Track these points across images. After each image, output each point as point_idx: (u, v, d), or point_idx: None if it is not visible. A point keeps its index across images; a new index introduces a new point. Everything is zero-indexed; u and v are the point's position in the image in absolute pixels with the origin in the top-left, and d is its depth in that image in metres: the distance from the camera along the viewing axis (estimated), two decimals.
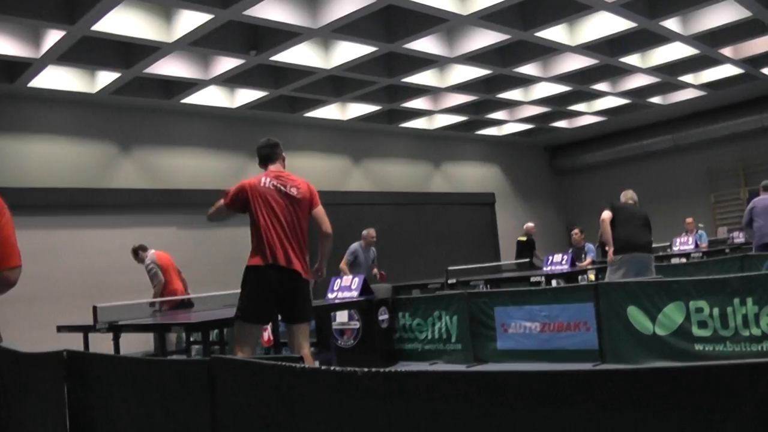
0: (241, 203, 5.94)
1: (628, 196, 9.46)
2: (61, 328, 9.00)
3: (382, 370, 3.05)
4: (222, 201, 6.05)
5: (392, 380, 3.06)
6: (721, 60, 14.97)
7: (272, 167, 6.07)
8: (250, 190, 5.90)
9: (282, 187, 5.92)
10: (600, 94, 17.13)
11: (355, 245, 11.71)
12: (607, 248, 9.36)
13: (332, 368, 3.33)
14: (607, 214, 8.95)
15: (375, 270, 11.83)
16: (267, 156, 6.09)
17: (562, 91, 16.21)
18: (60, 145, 13.07)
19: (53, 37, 10.15)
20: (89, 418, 5.32)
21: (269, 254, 5.75)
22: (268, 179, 5.94)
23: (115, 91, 12.57)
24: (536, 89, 16.24)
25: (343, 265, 11.37)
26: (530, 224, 15.54)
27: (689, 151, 20.61)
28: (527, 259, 14.67)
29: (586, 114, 19.11)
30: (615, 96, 17.20)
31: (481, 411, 2.73)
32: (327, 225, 6.00)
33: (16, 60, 10.80)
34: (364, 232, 11.77)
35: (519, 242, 15.33)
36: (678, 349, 7.20)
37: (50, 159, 12.83)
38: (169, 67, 11.94)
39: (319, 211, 6.05)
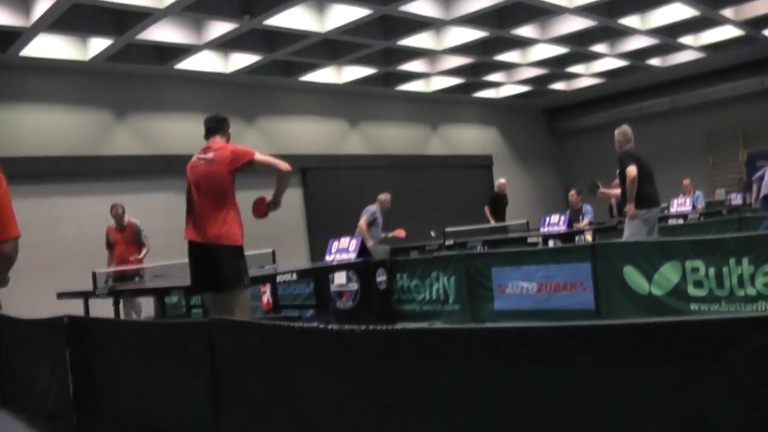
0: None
1: (629, 134, 9.11)
2: (61, 295, 9.05)
3: (379, 328, 3.08)
4: None
5: (390, 338, 3.09)
6: (722, 21, 14.87)
7: (210, 141, 6.01)
8: (188, 170, 5.95)
9: (202, 155, 5.89)
10: (598, 56, 17.04)
11: (373, 207, 11.72)
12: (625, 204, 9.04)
13: (331, 327, 3.36)
14: (635, 170, 8.63)
15: (382, 233, 11.83)
16: (207, 129, 6.06)
17: (560, 53, 16.13)
18: (54, 113, 13.02)
19: (44, 4, 10.07)
20: (92, 381, 5.37)
21: (187, 229, 5.88)
22: (197, 154, 5.95)
23: (109, 58, 12.50)
24: (534, 51, 16.14)
25: (362, 223, 11.36)
26: (502, 180, 15.16)
27: (688, 113, 20.56)
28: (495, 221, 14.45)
29: (584, 76, 19.03)
30: (613, 58, 17.12)
31: (477, 367, 2.75)
32: (278, 165, 5.87)
33: (7, 29, 10.73)
34: (381, 197, 11.79)
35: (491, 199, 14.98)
36: (674, 308, 7.23)
37: (45, 127, 12.79)
38: (162, 32, 11.86)
39: (258, 159, 5.84)
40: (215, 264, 5.74)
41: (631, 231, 8.76)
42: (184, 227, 5.92)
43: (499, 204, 14.45)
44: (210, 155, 5.82)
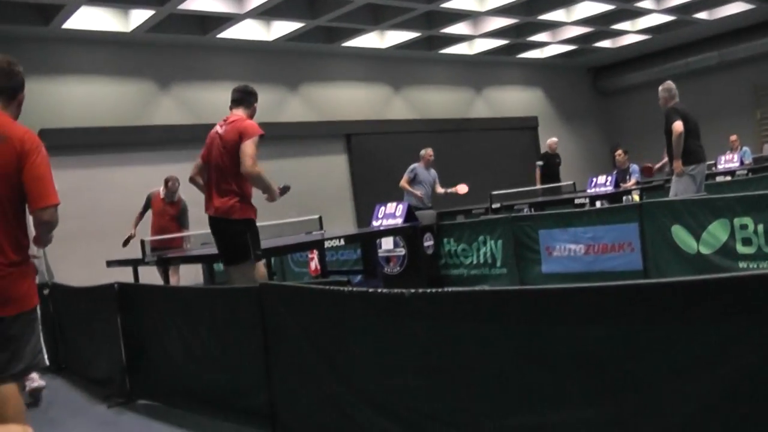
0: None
1: (673, 90, 8.93)
2: (111, 263, 9.22)
3: (429, 290, 3.09)
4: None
5: (439, 300, 3.10)
6: None
7: (232, 112, 5.89)
8: (208, 139, 5.86)
9: (219, 128, 5.77)
10: (644, 12, 16.70)
11: (414, 164, 11.68)
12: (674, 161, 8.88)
13: (380, 290, 3.39)
14: (681, 126, 8.49)
15: (440, 188, 11.69)
16: (232, 100, 5.96)
17: (605, 10, 15.83)
18: (97, 84, 13.16)
19: None
20: (143, 346, 5.49)
21: (205, 202, 5.84)
22: (217, 125, 5.84)
23: (150, 29, 12.57)
24: (578, 9, 15.86)
25: (403, 183, 11.27)
26: (553, 139, 14.52)
27: (735, 67, 20.10)
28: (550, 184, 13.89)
29: (630, 33, 18.67)
30: (659, 13, 16.76)
31: (528, 329, 2.76)
32: (245, 164, 5.48)
33: (49, 3, 10.83)
34: (422, 152, 11.72)
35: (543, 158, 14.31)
36: (722, 267, 7.13)
37: (88, 99, 12.94)
38: (203, 2, 11.88)
39: (243, 146, 5.52)
40: (224, 237, 5.76)
41: (680, 188, 8.61)
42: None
43: (551, 163, 14.07)
44: (223, 128, 5.72)
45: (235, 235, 5.64)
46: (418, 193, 10.96)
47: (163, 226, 9.75)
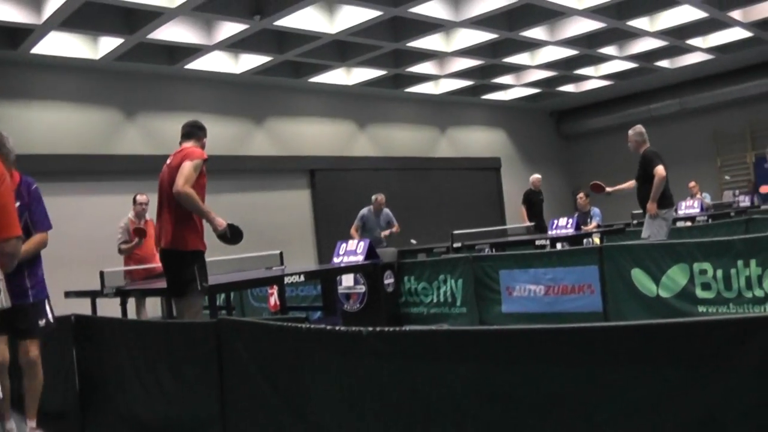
0: None
1: (644, 134, 8.96)
2: (68, 294, 9.05)
3: (386, 329, 3.08)
4: None
5: (397, 339, 3.09)
6: (730, 23, 14.82)
7: (183, 145, 5.90)
8: (160, 175, 5.86)
9: (168, 161, 5.80)
10: (607, 58, 16.99)
11: (364, 210, 11.71)
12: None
13: (338, 328, 3.37)
14: (664, 170, 8.57)
15: (385, 232, 11.77)
16: (183, 135, 6.00)
17: (568, 55, 16.09)
18: (64, 111, 13.04)
19: (55, 2, 10.08)
20: (98, 380, 5.39)
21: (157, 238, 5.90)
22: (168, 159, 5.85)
23: (119, 56, 12.51)
24: (543, 53, 16.11)
25: (352, 230, 11.39)
26: (536, 176, 14.66)
27: (696, 115, 20.50)
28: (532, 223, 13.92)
29: (593, 78, 18.99)
30: (622, 60, 17.07)
31: (484, 368, 2.76)
32: (177, 183, 5.41)
33: (19, 26, 10.75)
34: (373, 197, 11.76)
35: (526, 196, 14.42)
36: (682, 311, 7.21)
37: (54, 125, 12.81)
38: (173, 32, 11.86)
39: (181, 167, 5.48)
40: (170, 269, 5.77)
41: (653, 230, 8.69)
42: None
43: (534, 200, 14.13)
44: (171, 159, 5.74)
45: (180, 266, 5.61)
46: None
47: (149, 253, 9.46)
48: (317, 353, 3.46)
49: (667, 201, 8.76)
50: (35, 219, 5.13)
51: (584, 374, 2.46)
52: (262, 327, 3.99)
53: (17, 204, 4.71)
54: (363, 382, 3.20)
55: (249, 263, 10.52)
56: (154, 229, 9.51)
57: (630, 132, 9.01)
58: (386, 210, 11.94)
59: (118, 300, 8.33)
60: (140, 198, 9.66)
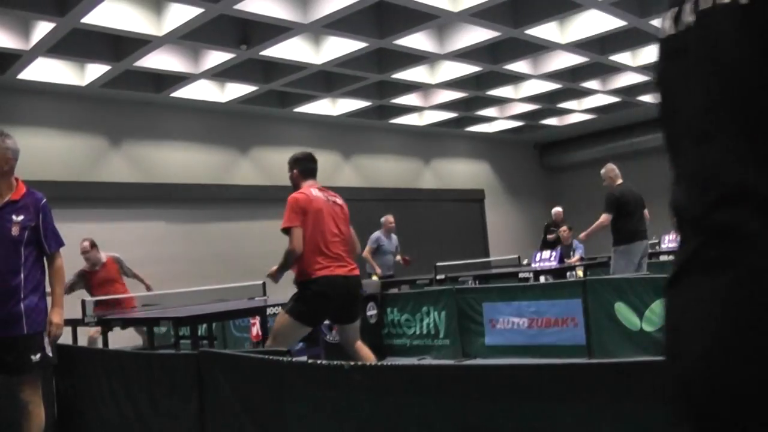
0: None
1: (614, 172, 9.47)
2: None
3: (368, 363, 3.07)
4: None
5: (379, 373, 3.08)
6: None
7: (314, 182, 6.35)
8: (306, 203, 6.04)
9: (324, 195, 6.22)
10: (590, 92, 17.16)
11: (376, 233, 11.69)
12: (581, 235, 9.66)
13: (320, 362, 3.35)
14: (607, 220, 9.08)
15: (398, 257, 11.80)
16: (315, 170, 6.49)
17: (552, 89, 16.24)
18: (49, 137, 13.01)
19: (43, 28, 10.10)
20: (78, 410, 5.33)
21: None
22: (318, 191, 6.22)
23: (105, 84, 12.52)
24: (526, 86, 16.24)
25: (366, 253, 11.27)
26: (558, 209, 14.69)
27: None
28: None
29: (576, 111, 19.15)
30: (605, 94, 17.24)
31: (465, 403, 2.75)
32: (360, 248, 6.54)
33: (6, 52, 10.75)
34: (383, 219, 11.77)
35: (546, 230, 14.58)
36: None
37: (39, 152, 12.75)
38: (159, 60, 11.90)
39: (352, 232, 6.45)
40: (357, 296, 6.36)
41: (618, 266, 9.18)
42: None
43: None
44: (335, 199, 6.49)
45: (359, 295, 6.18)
46: (378, 270, 11.00)
47: (110, 293, 9.42)
48: (298, 387, 3.44)
49: (627, 236, 9.12)
50: (48, 236, 4.88)
51: (568, 411, 2.45)
52: (243, 359, 3.97)
53: (20, 218, 4.62)
54: (344, 415, 3.18)
55: (232, 293, 10.48)
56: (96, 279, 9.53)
57: (602, 171, 9.55)
58: (393, 235, 11.95)
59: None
60: (83, 246, 9.52)
